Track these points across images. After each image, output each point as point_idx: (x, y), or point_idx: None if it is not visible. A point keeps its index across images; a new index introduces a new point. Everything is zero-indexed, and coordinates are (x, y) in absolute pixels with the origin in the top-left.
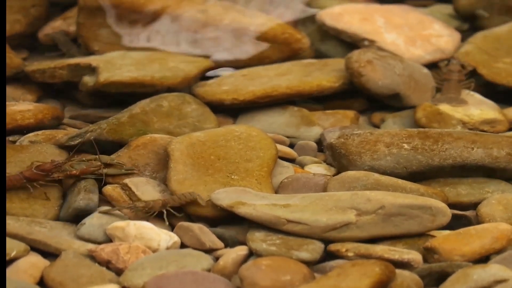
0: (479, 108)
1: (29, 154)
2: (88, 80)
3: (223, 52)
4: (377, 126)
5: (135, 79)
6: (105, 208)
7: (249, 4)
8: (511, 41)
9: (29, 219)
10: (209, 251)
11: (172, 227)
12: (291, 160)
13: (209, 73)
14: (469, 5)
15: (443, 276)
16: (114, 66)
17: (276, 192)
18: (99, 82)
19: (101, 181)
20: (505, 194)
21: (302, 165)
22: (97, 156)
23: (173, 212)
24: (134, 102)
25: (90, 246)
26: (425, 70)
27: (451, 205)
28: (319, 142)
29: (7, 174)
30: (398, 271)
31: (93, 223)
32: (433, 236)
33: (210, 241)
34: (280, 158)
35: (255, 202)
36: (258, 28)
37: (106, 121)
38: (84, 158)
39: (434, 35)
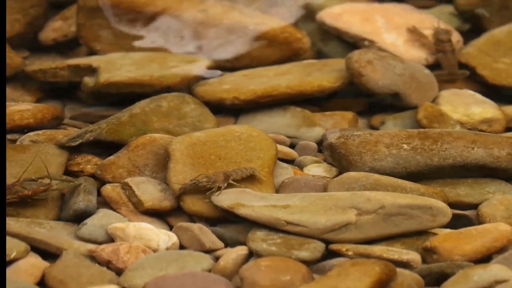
0: (480, 107)
1: (31, 154)
2: (89, 80)
3: (223, 52)
4: (376, 129)
5: (135, 79)
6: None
7: (249, 4)
8: (510, 42)
9: (29, 220)
10: (209, 251)
11: (170, 227)
12: (291, 161)
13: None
14: (468, 5)
15: (443, 276)
16: (114, 67)
17: (277, 192)
18: (100, 83)
19: (100, 182)
20: (506, 195)
21: (302, 166)
22: (46, 174)
23: (235, 184)
24: (135, 101)
25: (91, 246)
26: (427, 71)
27: (451, 205)
28: (320, 142)
29: None
30: (398, 270)
31: (94, 224)
32: (433, 235)
33: (210, 241)
34: (280, 159)
35: (254, 204)
36: (258, 27)
37: (106, 121)
38: (33, 177)
39: None
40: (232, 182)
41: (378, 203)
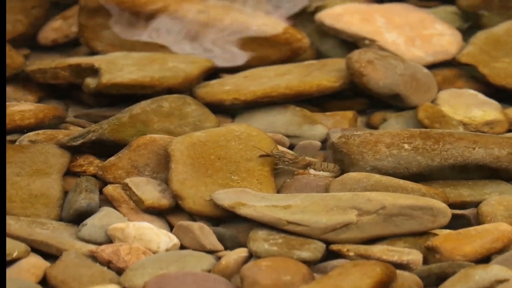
0: (481, 110)
1: (30, 154)
2: (91, 82)
3: (223, 52)
4: (376, 128)
5: (136, 81)
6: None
7: (250, 5)
8: (510, 40)
9: (30, 220)
10: (210, 252)
11: (171, 227)
12: None
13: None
14: (470, 6)
15: (443, 276)
16: (116, 67)
17: (278, 192)
18: (102, 84)
19: (102, 183)
20: (505, 195)
21: None
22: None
23: (310, 173)
24: (137, 101)
25: (91, 246)
26: (426, 71)
27: (452, 206)
28: (324, 141)
29: None
30: (398, 271)
31: (94, 224)
32: (434, 235)
33: (211, 243)
34: None
35: (255, 203)
36: (259, 28)
37: (108, 121)
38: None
39: (436, 34)
40: (311, 170)
41: (379, 203)
